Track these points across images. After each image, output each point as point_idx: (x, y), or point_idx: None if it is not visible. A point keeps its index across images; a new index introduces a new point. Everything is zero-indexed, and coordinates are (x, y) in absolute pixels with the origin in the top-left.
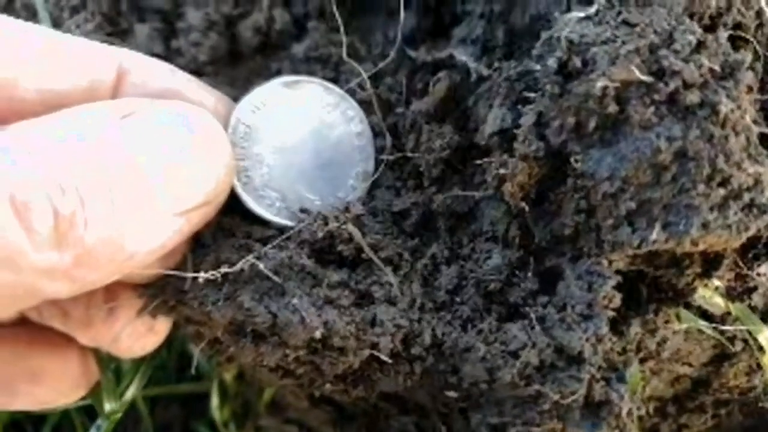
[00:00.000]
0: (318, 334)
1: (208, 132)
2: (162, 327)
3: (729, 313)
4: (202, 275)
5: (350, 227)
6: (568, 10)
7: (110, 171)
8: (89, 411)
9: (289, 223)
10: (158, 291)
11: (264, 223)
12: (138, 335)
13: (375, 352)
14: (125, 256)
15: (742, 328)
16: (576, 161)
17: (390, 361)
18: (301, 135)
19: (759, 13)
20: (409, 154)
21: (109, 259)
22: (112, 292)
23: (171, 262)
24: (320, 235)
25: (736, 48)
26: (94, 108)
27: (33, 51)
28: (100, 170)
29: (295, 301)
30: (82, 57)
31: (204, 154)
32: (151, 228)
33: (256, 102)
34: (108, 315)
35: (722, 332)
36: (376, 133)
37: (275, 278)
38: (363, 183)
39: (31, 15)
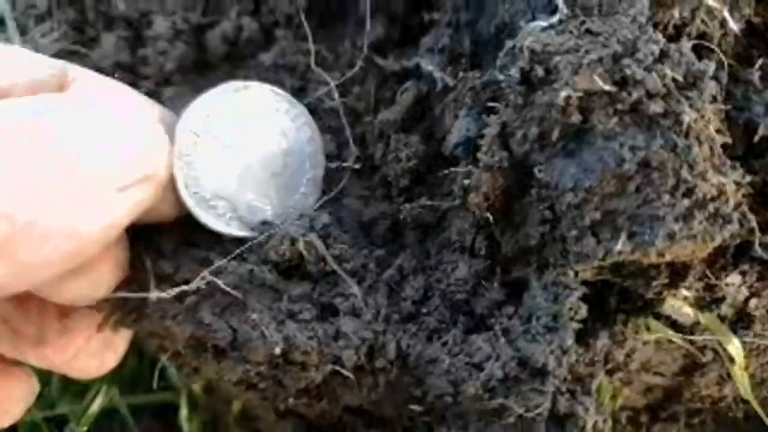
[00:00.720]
0: (278, 350)
1: (140, 109)
2: (120, 343)
3: (698, 323)
4: (157, 294)
5: (315, 241)
6: (533, 19)
7: (43, 146)
8: (60, 421)
9: (240, 233)
10: (118, 305)
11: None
12: (94, 352)
13: (337, 367)
14: (72, 232)
15: (712, 338)
16: (540, 171)
17: (352, 376)
18: (250, 142)
19: (723, 23)
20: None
21: (49, 235)
22: (65, 309)
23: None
24: (288, 255)
25: (700, 57)
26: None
27: None
28: (30, 148)
29: (255, 316)
30: (27, 59)
31: (138, 131)
32: (95, 205)
33: (205, 109)
34: (62, 332)
35: (692, 342)
36: (343, 143)
37: (235, 293)
38: (314, 190)
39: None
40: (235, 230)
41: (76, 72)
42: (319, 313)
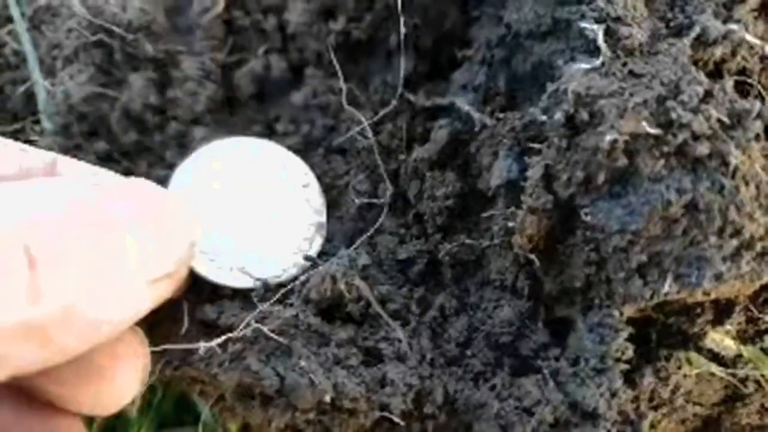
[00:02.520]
0: (328, 398)
1: (173, 202)
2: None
3: (740, 356)
4: (204, 345)
5: (360, 283)
6: (572, 59)
7: (82, 238)
8: None
9: (247, 285)
10: (163, 351)
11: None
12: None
13: (386, 414)
14: (98, 322)
15: (755, 372)
16: (585, 214)
17: (402, 422)
18: (247, 194)
19: (763, 58)
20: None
21: (80, 323)
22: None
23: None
24: (329, 294)
25: (742, 94)
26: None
27: None
28: (72, 237)
29: (302, 363)
30: (14, 147)
31: (171, 224)
32: (123, 296)
33: (200, 166)
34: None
35: (734, 375)
36: (376, 180)
37: (281, 339)
38: (319, 234)
39: (22, 61)
40: (242, 283)
41: (61, 159)
42: (365, 359)
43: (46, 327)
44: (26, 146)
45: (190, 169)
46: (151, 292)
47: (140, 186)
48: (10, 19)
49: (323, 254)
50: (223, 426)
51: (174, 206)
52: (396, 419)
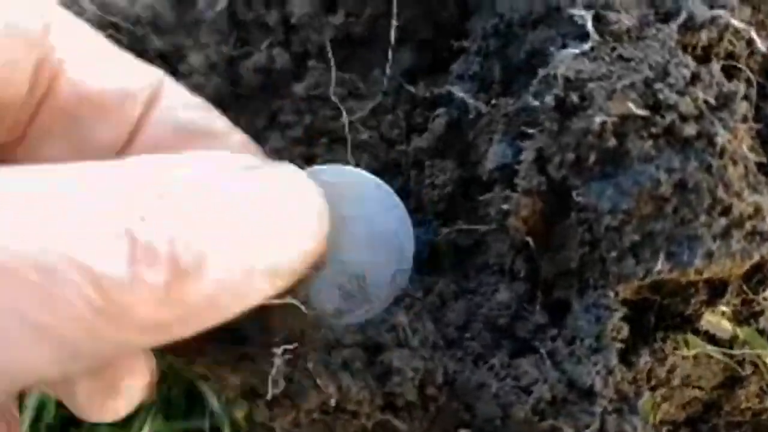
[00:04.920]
0: (333, 402)
1: (315, 195)
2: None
3: (737, 338)
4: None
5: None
6: (564, 46)
7: (235, 227)
8: None
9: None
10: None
11: None
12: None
13: (388, 417)
14: (222, 314)
15: (751, 351)
16: (578, 195)
17: (403, 425)
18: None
19: (749, 43)
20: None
21: (207, 316)
22: None
23: None
24: None
25: (729, 78)
26: (216, 157)
27: (91, 40)
28: (225, 226)
29: (309, 365)
30: (127, 62)
31: (311, 219)
32: (252, 287)
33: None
34: None
35: (731, 356)
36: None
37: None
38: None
39: None
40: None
41: (168, 84)
42: (370, 357)
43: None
44: (135, 60)
45: None
46: (276, 284)
47: (295, 175)
48: None
49: None
50: (230, 415)
51: (316, 198)
52: (398, 423)
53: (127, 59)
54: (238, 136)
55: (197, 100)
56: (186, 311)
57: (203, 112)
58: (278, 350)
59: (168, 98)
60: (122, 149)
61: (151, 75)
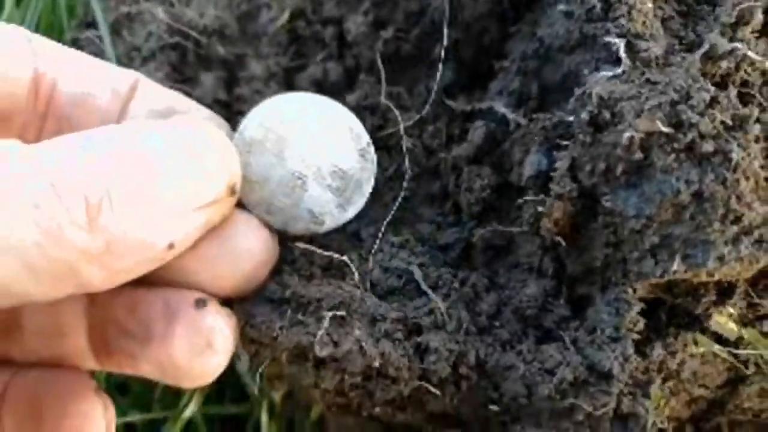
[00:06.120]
0: (376, 364)
1: (216, 137)
2: (223, 345)
3: (742, 339)
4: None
5: (414, 269)
6: (596, 69)
7: (133, 170)
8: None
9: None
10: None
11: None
12: (196, 351)
13: (424, 383)
14: (150, 246)
15: (755, 352)
16: (606, 201)
17: (438, 391)
18: (308, 150)
19: (764, 73)
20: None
21: (135, 247)
22: (170, 305)
23: (252, 286)
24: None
25: (744, 103)
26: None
27: (73, 57)
28: (123, 169)
29: (357, 332)
30: (106, 69)
31: (215, 156)
32: (172, 221)
33: (279, 113)
34: (166, 328)
35: (736, 356)
36: (419, 174)
37: (339, 313)
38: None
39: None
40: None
41: (143, 82)
42: (409, 334)
43: (102, 254)
44: (112, 65)
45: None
46: (199, 219)
47: (184, 121)
48: (90, 25)
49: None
50: (268, 394)
51: (215, 141)
52: (433, 389)
53: (106, 65)
54: (206, 112)
55: (167, 90)
56: (110, 239)
57: (172, 98)
58: (327, 314)
59: (142, 90)
60: None
61: (129, 75)
